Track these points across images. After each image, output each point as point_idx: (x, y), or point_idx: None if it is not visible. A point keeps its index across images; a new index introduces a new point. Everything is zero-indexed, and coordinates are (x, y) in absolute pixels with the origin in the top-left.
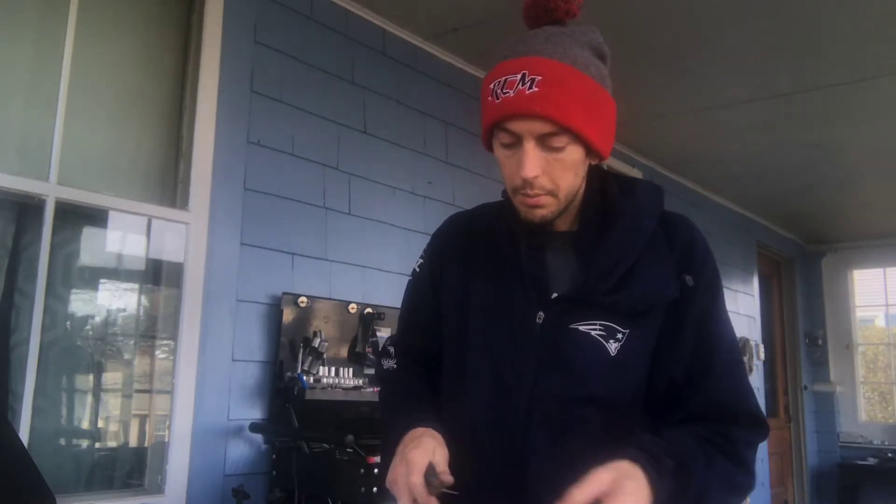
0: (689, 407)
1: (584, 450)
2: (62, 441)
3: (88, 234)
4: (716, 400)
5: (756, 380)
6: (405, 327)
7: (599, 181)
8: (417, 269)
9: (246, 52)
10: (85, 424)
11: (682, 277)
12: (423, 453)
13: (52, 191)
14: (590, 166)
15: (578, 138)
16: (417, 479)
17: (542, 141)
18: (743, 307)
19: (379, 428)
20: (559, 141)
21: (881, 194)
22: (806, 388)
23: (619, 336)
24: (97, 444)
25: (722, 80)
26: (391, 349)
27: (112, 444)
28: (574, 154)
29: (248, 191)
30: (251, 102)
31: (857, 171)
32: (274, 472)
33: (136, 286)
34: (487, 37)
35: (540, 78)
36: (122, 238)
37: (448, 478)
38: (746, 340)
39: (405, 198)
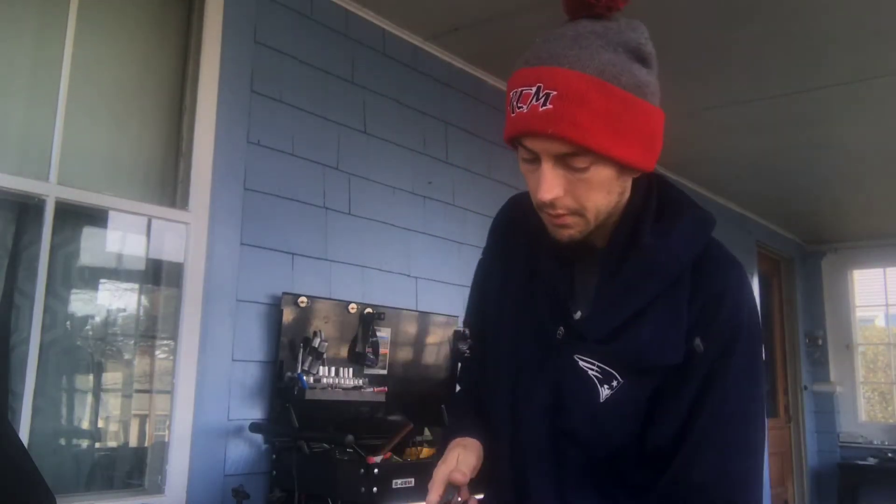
0: (666, 480)
1: (577, 486)
2: (62, 441)
3: (88, 234)
4: (687, 479)
5: None
6: (474, 307)
7: (642, 200)
8: (484, 252)
9: (246, 52)
10: (85, 424)
11: (691, 340)
12: (446, 468)
13: (52, 191)
14: (638, 178)
15: (602, 157)
16: (433, 498)
17: (562, 161)
18: None
19: (383, 430)
20: (580, 161)
21: (881, 194)
22: (806, 388)
23: (615, 384)
24: (97, 444)
25: (722, 80)
26: (467, 331)
27: (112, 444)
28: (601, 174)
29: (248, 191)
30: (251, 102)
31: (857, 171)
32: (274, 472)
33: (136, 286)
34: (487, 37)
35: (555, 93)
36: (122, 238)
37: (457, 476)
38: None
39: (405, 198)
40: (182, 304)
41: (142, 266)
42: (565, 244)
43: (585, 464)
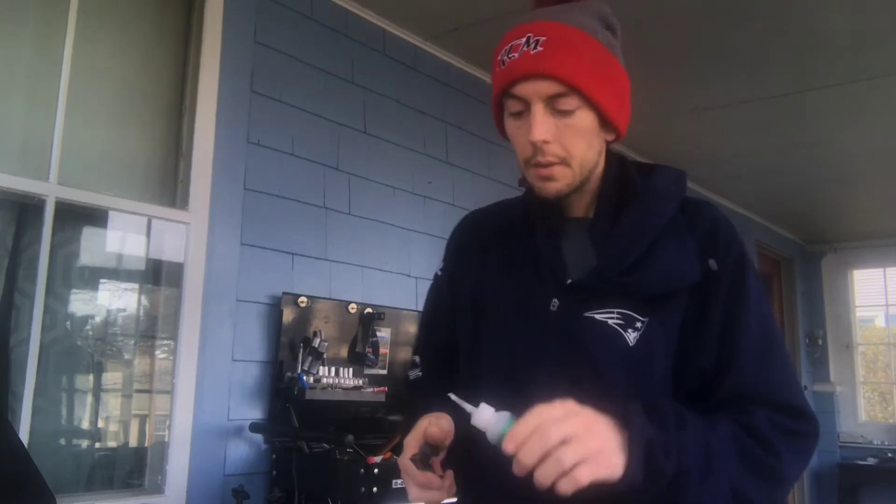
0: (714, 399)
1: None
2: (62, 441)
3: (88, 234)
4: (739, 391)
5: None
6: (428, 330)
7: (619, 166)
8: (439, 273)
9: (246, 52)
10: (85, 424)
11: (705, 262)
12: (416, 434)
13: (52, 191)
14: (609, 151)
15: (588, 102)
16: (405, 459)
17: (551, 104)
18: None
19: (383, 430)
20: (568, 103)
21: (881, 194)
22: (806, 388)
23: (639, 325)
24: (97, 444)
25: (722, 80)
26: (416, 358)
27: (112, 444)
28: (585, 120)
29: (248, 191)
30: (251, 102)
31: (857, 171)
32: (274, 472)
33: (136, 286)
34: (487, 37)
35: (545, 38)
36: (122, 238)
37: (434, 430)
38: None
39: (405, 198)
40: (182, 304)
41: (142, 266)
42: (552, 200)
43: None
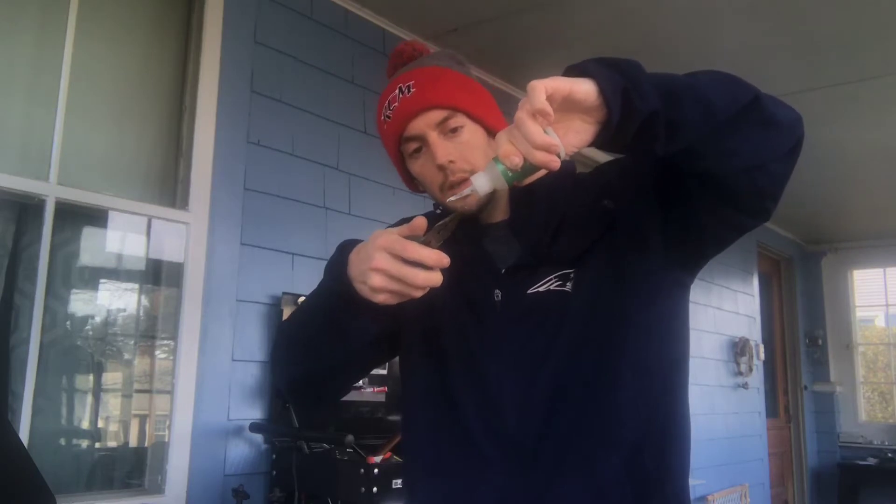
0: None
1: (614, 408)
2: (62, 441)
3: (88, 234)
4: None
5: (756, 380)
6: None
7: None
8: None
9: (246, 52)
10: (85, 424)
11: (602, 206)
12: (384, 233)
13: (52, 191)
14: None
15: (471, 118)
16: (408, 242)
17: (442, 129)
18: (743, 307)
19: (383, 430)
20: (455, 122)
21: (881, 194)
22: (806, 388)
23: (572, 275)
24: (97, 444)
25: None
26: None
27: (112, 444)
28: (475, 134)
29: (248, 191)
30: (251, 102)
31: (857, 171)
32: (274, 472)
33: (136, 286)
34: (487, 37)
35: (413, 81)
36: (122, 238)
37: (406, 229)
38: (746, 340)
39: (405, 198)
40: (182, 304)
41: (142, 266)
42: (475, 212)
43: (589, 378)
